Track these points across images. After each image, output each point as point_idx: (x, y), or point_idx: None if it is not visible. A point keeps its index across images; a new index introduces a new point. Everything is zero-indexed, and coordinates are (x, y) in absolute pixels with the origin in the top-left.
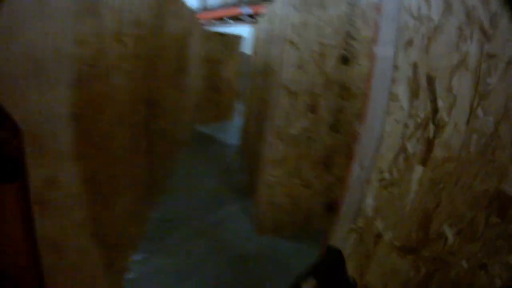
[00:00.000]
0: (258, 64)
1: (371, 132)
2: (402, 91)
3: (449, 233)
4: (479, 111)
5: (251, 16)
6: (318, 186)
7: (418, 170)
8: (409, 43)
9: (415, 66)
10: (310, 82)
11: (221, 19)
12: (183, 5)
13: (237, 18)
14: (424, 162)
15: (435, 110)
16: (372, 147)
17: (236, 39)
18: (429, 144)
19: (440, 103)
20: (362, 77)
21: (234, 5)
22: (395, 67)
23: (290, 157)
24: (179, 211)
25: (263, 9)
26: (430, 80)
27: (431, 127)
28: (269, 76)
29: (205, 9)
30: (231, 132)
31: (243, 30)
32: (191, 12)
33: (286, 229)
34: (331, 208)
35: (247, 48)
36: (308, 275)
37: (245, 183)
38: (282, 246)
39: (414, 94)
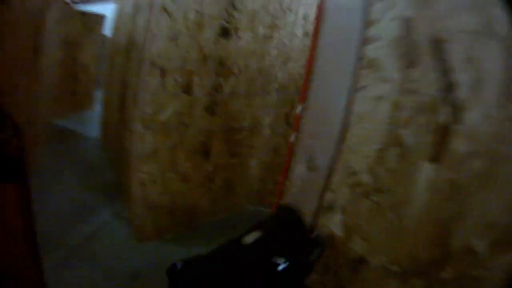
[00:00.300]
0: (121, 41)
1: (324, 115)
2: (385, 55)
3: (479, 246)
4: None
5: None
6: (197, 178)
7: (426, 169)
8: None
9: (409, 23)
10: (184, 57)
11: None
12: None
13: None
14: (436, 158)
15: (449, 86)
16: (330, 137)
17: (99, 18)
18: (443, 133)
19: (459, 76)
20: (242, 52)
21: None
22: (369, 22)
23: (162, 148)
24: (46, 229)
25: None
26: (437, 44)
27: (445, 109)
28: (135, 53)
29: None
30: (93, 124)
31: (107, 9)
32: None
33: (169, 230)
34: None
35: (110, 28)
36: (252, 229)
37: (114, 183)
38: (168, 252)
39: (409, 60)
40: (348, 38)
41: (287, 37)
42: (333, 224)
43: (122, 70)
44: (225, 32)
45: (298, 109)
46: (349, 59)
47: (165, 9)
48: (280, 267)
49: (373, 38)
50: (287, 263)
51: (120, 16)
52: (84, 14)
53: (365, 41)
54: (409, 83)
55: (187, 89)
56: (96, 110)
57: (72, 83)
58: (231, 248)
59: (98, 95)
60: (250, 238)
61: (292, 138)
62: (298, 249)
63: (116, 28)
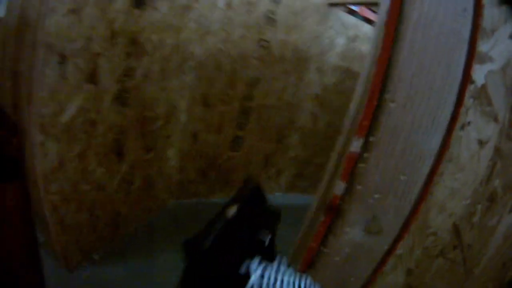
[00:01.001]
0: (12, 21)
1: (403, 158)
2: (496, 84)
3: None
4: None
5: None
6: (112, 183)
7: (506, 219)
8: None
9: None
10: (88, 35)
11: None
12: None
13: None
14: None
15: None
16: (409, 191)
17: None
18: None
19: None
20: (158, 26)
21: None
22: (482, 31)
23: (69, 157)
24: None
25: None
26: None
27: None
28: (27, 35)
29: None
30: None
31: None
32: None
33: (96, 248)
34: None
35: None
36: (231, 202)
37: None
38: (105, 272)
39: None
40: (451, 46)
41: (208, 8)
42: (392, 285)
43: (13, 59)
44: (139, 2)
45: (355, 145)
46: (451, 80)
47: None
48: (266, 242)
49: (484, 56)
50: (270, 236)
51: None
52: None
53: (472, 57)
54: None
55: (92, 77)
56: None
57: None
58: (220, 223)
59: None
60: (231, 212)
61: (339, 190)
62: (269, 221)
63: (8, 5)
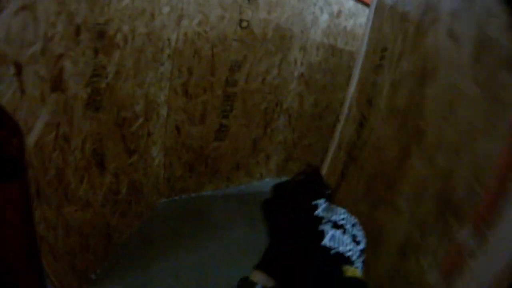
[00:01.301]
0: None
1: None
2: None
3: None
4: None
5: None
6: (98, 197)
7: None
8: None
9: None
10: (47, 34)
11: None
12: None
13: None
14: None
15: None
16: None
17: None
18: None
19: None
20: (128, 14)
21: None
22: None
23: (46, 182)
24: None
25: None
26: None
27: None
28: None
29: None
30: None
31: None
32: None
33: (92, 267)
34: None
35: None
36: (298, 175)
37: None
38: None
39: None
40: None
41: None
42: None
43: None
44: None
45: (466, 236)
46: None
47: None
48: (328, 193)
49: None
50: (329, 191)
51: None
52: None
53: None
54: None
55: (58, 84)
56: None
57: None
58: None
59: None
60: (301, 177)
61: (435, 283)
62: (327, 187)
63: None
